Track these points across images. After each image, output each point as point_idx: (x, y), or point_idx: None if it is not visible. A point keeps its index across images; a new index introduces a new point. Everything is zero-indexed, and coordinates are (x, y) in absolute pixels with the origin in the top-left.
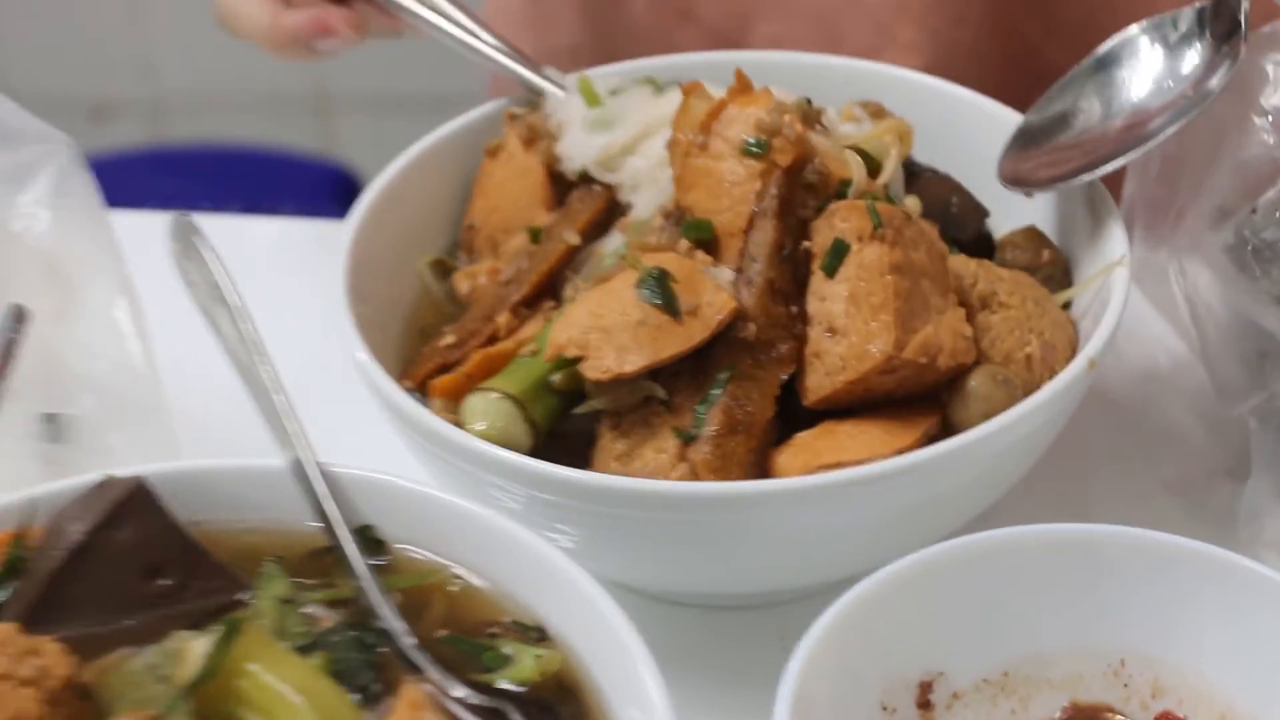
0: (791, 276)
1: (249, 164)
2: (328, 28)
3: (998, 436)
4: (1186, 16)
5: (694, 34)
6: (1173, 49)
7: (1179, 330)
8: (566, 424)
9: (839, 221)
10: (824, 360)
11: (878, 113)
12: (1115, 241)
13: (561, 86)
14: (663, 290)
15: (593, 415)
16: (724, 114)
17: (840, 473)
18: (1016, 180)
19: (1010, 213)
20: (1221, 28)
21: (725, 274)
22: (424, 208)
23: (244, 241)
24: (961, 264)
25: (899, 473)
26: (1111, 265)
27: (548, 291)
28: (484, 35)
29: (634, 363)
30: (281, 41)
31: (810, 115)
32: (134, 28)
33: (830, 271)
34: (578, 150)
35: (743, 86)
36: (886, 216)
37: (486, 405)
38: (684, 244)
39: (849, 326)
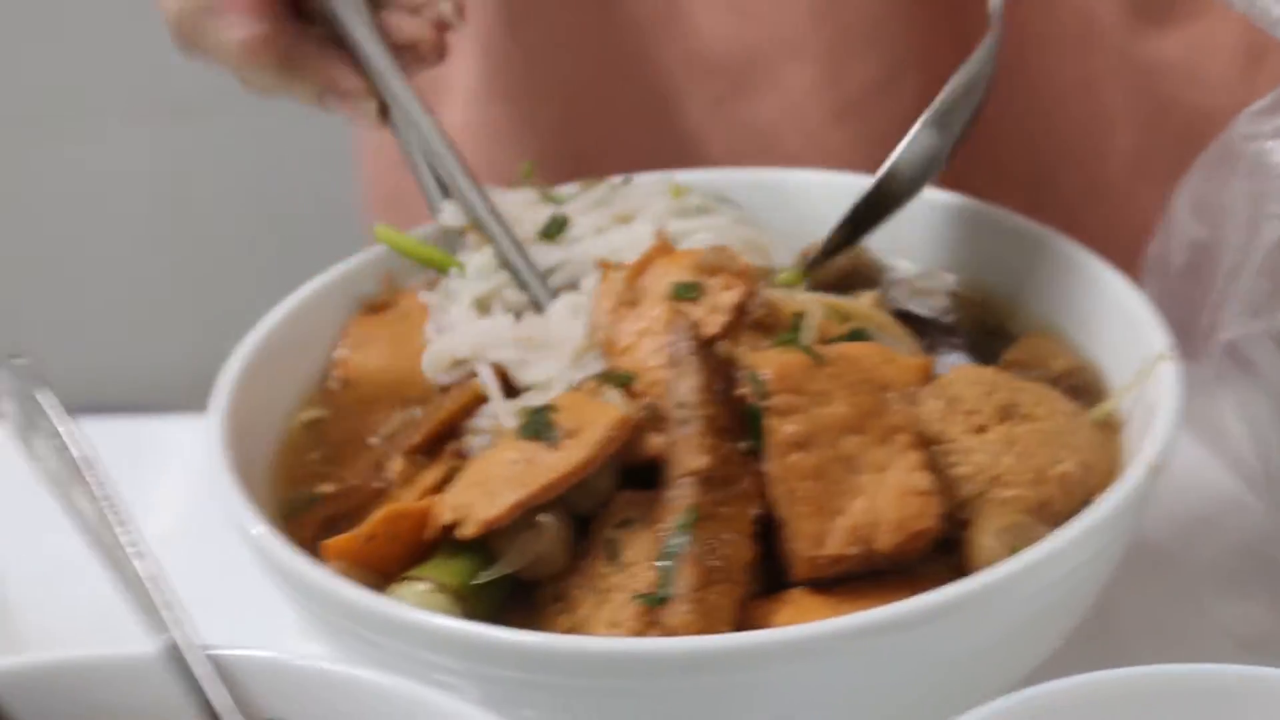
0: (733, 414)
1: None
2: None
3: (1048, 567)
4: None
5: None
6: None
7: (1220, 454)
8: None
9: (748, 381)
10: (783, 551)
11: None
12: (1152, 333)
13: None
14: (538, 424)
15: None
16: (652, 267)
17: (880, 611)
18: None
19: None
20: None
21: (616, 395)
22: (293, 369)
23: None
24: (973, 373)
25: (958, 606)
26: (1154, 361)
27: (448, 437)
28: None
29: (501, 505)
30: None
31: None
32: None
33: (759, 446)
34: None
35: (663, 247)
36: (779, 378)
37: (418, 600)
38: (590, 385)
39: (788, 515)
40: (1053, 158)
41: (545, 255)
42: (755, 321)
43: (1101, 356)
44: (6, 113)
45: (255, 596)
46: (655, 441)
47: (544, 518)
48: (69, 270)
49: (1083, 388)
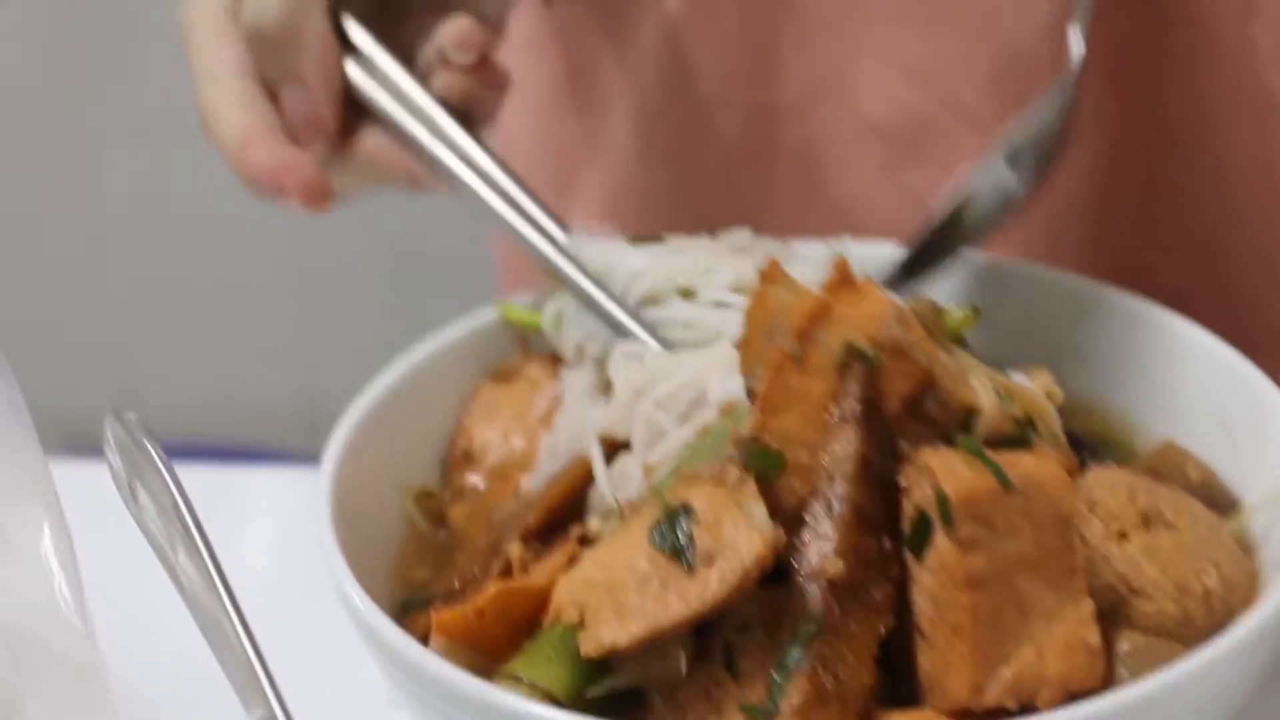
0: (882, 501)
1: None
2: (282, 186)
3: (1185, 689)
4: None
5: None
6: None
7: None
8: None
9: (926, 486)
10: (920, 664)
11: None
12: None
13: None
14: (675, 533)
15: None
16: (822, 320)
17: None
18: None
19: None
20: None
21: (760, 512)
22: (409, 434)
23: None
24: (1113, 476)
25: None
26: None
27: (571, 518)
28: (518, 195)
29: (630, 632)
30: (243, 175)
31: (935, 324)
32: None
33: (916, 552)
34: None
35: (843, 278)
36: (967, 504)
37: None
38: (734, 473)
39: (932, 635)
40: (1228, 236)
41: (677, 310)
42: (923, 417)
43: (1237, 466)
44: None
45: (343, 658)
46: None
47: (676, 650)
48: (181, 296)
49: (1218, 500)
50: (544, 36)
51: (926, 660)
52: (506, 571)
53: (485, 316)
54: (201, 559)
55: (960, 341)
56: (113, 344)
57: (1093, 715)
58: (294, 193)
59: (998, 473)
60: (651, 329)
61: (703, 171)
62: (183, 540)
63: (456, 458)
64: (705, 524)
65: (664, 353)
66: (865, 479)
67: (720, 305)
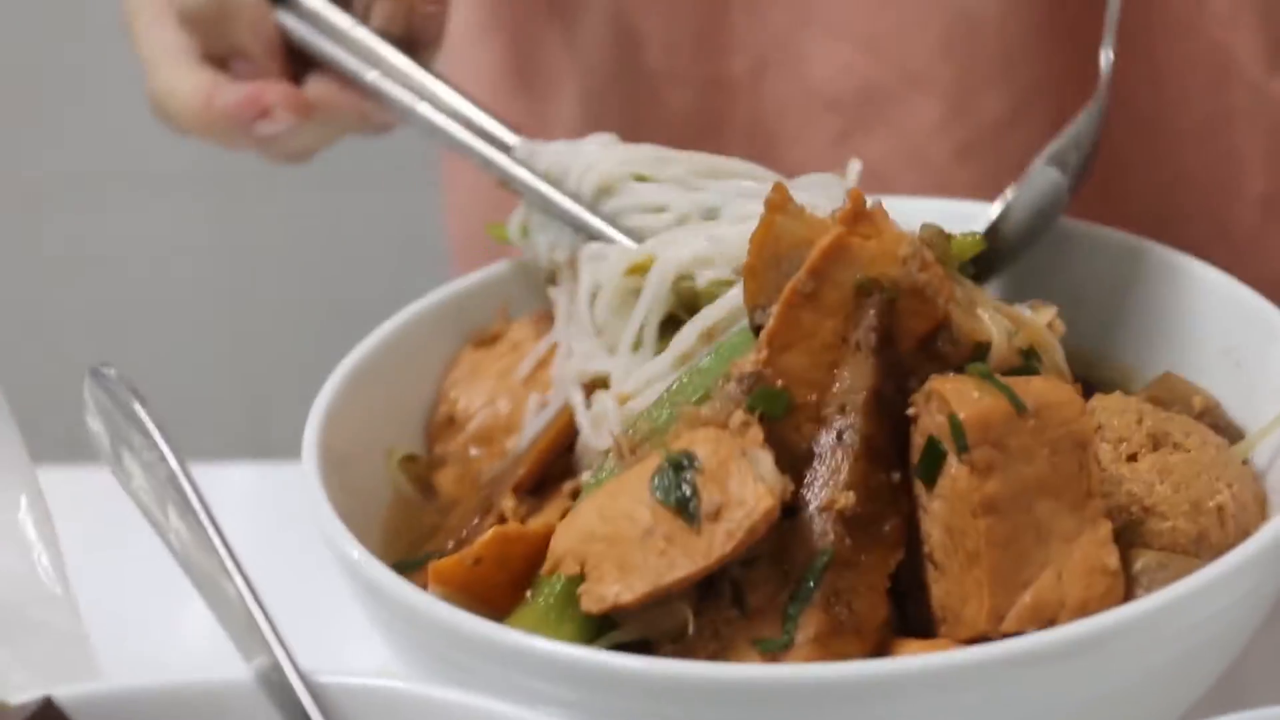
0: (891, 434)
1: None
2: (263, 107)
3: (1210, 595)
4: None
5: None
6: None
7: None
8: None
9: (936, 413)
10: (933, 594)
11: None
12: None
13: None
14: (679, 485)
15: None
16: (838, 255)
17: (1022, 642)
18: None
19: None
20: None
21: (767, 462)
22: (392, 401)
23: None
24: (1119, 402)
25: (1106, 638)
26: None
27: (563, 473)
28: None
29: (634, 589)
30: (217, 126)
31: (944, 252)
32: None
33: (927, 480)
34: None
35: (857, 210)
36: (981, 427)
37: None
38: (739, 417)
39: (946, 564)
40: (1180, 197)
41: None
42: (935, 354)
43: (1240, 393)
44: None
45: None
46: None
47: (680, 605)
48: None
49: (1223, 429)
50: (489, 21)
51: (940, 590)
52: (500, 526)
53: (465, 282)
54: (194, 515)
55: (963, 269)
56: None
57: (1110, 626)
58: (279, 106)
59: (1011, 396)
60: (612, 219)
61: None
62: (173, 499)
63: (439, 424)
64: (710, 474)
65: (629, 246)
66: (876, 411)
67: (684, 185)
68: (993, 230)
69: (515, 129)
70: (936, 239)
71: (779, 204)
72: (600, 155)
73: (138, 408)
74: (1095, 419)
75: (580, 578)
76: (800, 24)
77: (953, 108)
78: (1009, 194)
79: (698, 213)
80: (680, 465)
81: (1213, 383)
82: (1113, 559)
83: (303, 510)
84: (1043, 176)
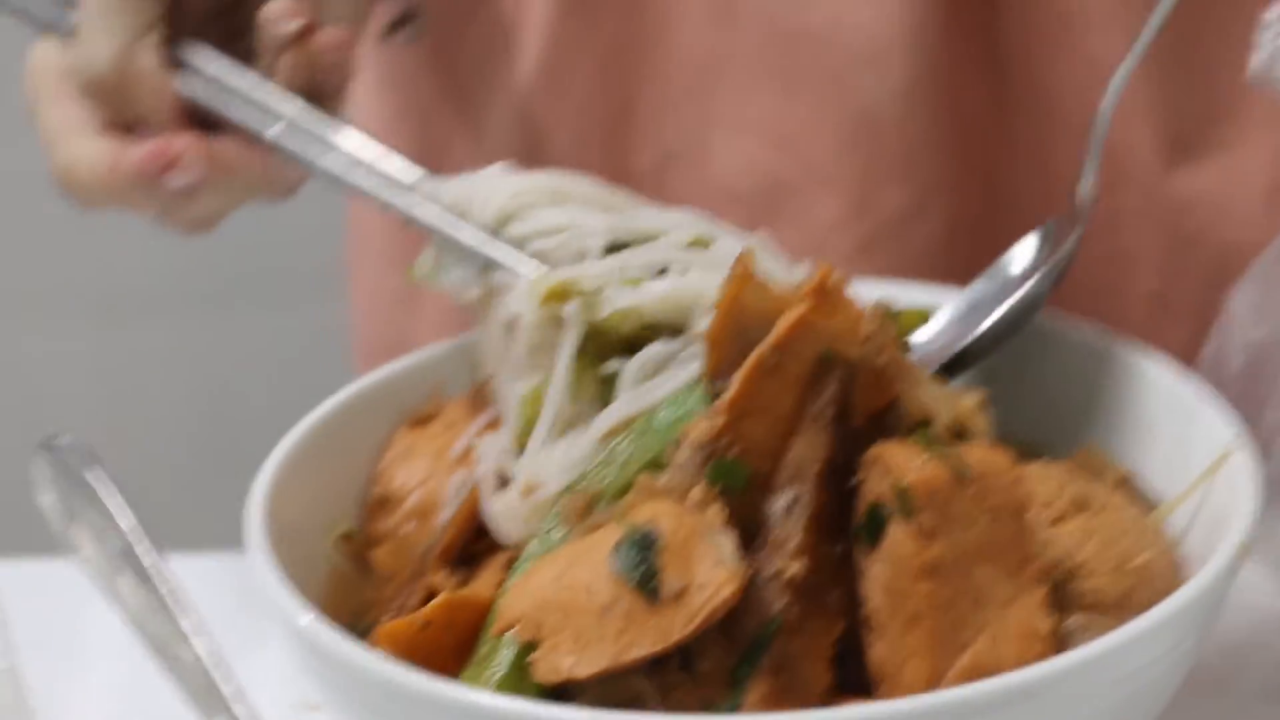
0: (838, 505)
1: None
2: (171, 158)
3: (1139, 647)
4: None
5: None
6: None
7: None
8: None
9: (880, 478)
10: (870, 656)
11: None
12: (1213, 425)
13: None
14: (640, 563)
15: None
16: (803, 331)
17: (959, 692)
18: None
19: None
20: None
21: (729, 545)
22: (328, 481)
23: None
24: (1043, 471)
25: (1038, 689)
26: (1223, 456)
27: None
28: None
29: (591, 665)
30: (124, 187)
31: (890, 328)
32: None
33: (870, 542)
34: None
35: (823, 286)
36: (927, 493)
37: None
38: (698, 492)
39: (885, 626)
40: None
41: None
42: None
43: (1154, 464)
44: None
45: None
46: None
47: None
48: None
49: (1138, 497)
50: (396, 112)
51: (877, 652)
52: (429, 599)
53: (400, 364)
54: (149, 582)
55: (905, 345)
56: None
57: (1044, 677)
58: (187, 154)
59: (956, 462)
60: (517, 245)
61: None
62: (130, 567)
63: (375, 502)
64: (672, 553)
65: (537, 272)
66: (824, 486)
67: (594, 206)
68: (982, 335)
69: (418, 166)
70: (884, 316)
71: (745, 276)
72: (500, 183)
73: (91, 475)
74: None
75: (532, 645)
76: (706, 122)
77: (855, 203)
78: (1007, 304)
79: (608, 236)
80: (641, 540)
81: (1128, 457)
82: (1045, 624)
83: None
84: (1037, 287)
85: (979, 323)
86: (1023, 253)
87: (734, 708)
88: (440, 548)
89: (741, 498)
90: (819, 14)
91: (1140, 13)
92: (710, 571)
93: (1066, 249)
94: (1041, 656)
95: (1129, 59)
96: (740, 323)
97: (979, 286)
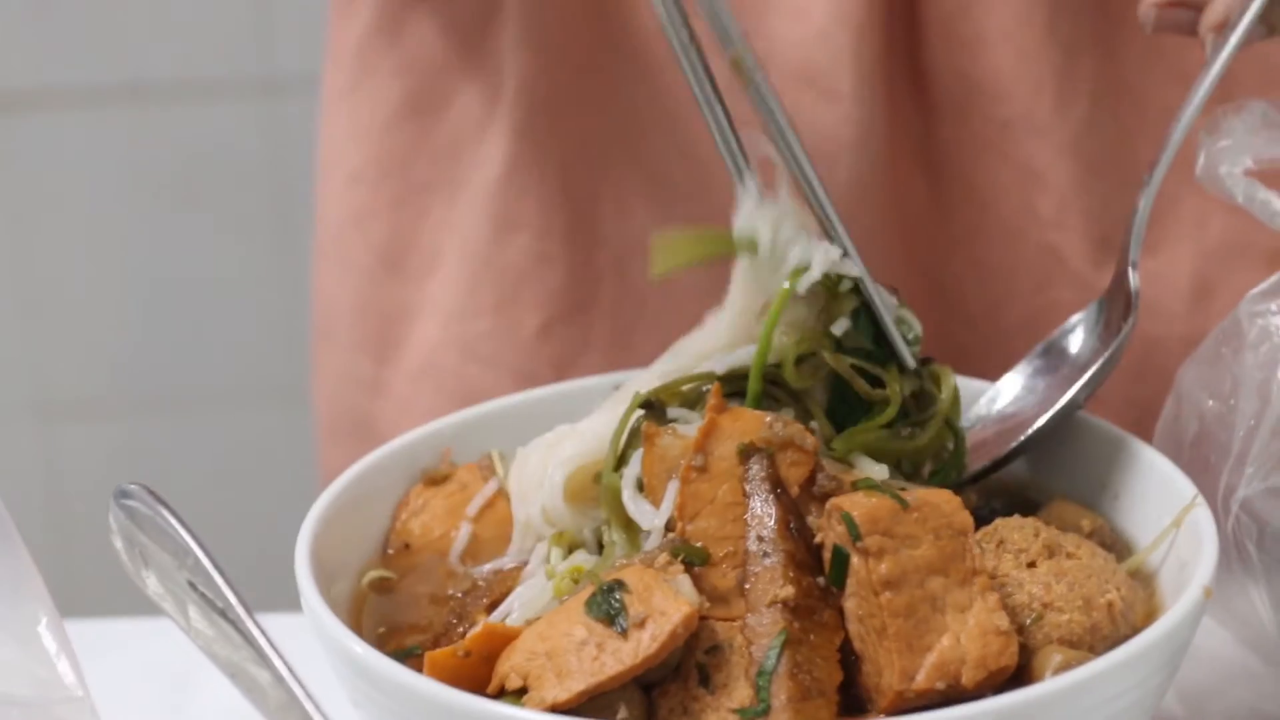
0: (807, 550)
1: None
2: None
3: (1119, 675)
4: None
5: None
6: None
7: (1241, 635)
8: None
9: (836, 524)
10: (860, 681)
11: None
12: (1174, 485)
13: None
14: (609, 604)
15: None
16: (713, 432)
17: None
18: None
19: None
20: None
21: (686, 583)
22: (360, 528)
23: None
24: (1017, 521)
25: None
26: (1186, 509)
27: None
28: None
29: (570, 689)
30: None
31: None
32: None
33: (838, 584)
34: None
35: (719, 400)
36: (870, 520)
37: None
38: (663, 558)
39: (864, 650)
40: None
41: None
42: (822, 492)
43: (1122, 519)
44: None
45: None
46: (730, 575)
47: (621, 706)
48: None
49: (1110, 545)
50: (366, 207)
51: (864, 674)
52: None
53: (414, 434)
54: (218, 612)
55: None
56: None
57: (1010, 706)
58: None
59: (894, 496)
60: None
61: (523, 324)
62: (193, 600)
63: (397, 548)
64: (636, 594)
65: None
66: (790, 538)
67: None
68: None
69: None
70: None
71: (655, 432)
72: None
73: (162, 515)
74: (998, 535)
75: (524, 690)
76: (666, 217)
77: None
78: (1060, 404)
79: None
80: (610, 588)
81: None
82: (1004, 621)
83: None
84: (1087, 387)
85: (1051, 402)
86: (1076, 334)
87: (764, 710)
88: (489, 602)
89: (714, 575)
90: None
91: (1075, 125)
92: (669, 602)
93: (1123, 335)
94: (1004, 650)
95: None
96: (666, 469)
97: (1036, 363)
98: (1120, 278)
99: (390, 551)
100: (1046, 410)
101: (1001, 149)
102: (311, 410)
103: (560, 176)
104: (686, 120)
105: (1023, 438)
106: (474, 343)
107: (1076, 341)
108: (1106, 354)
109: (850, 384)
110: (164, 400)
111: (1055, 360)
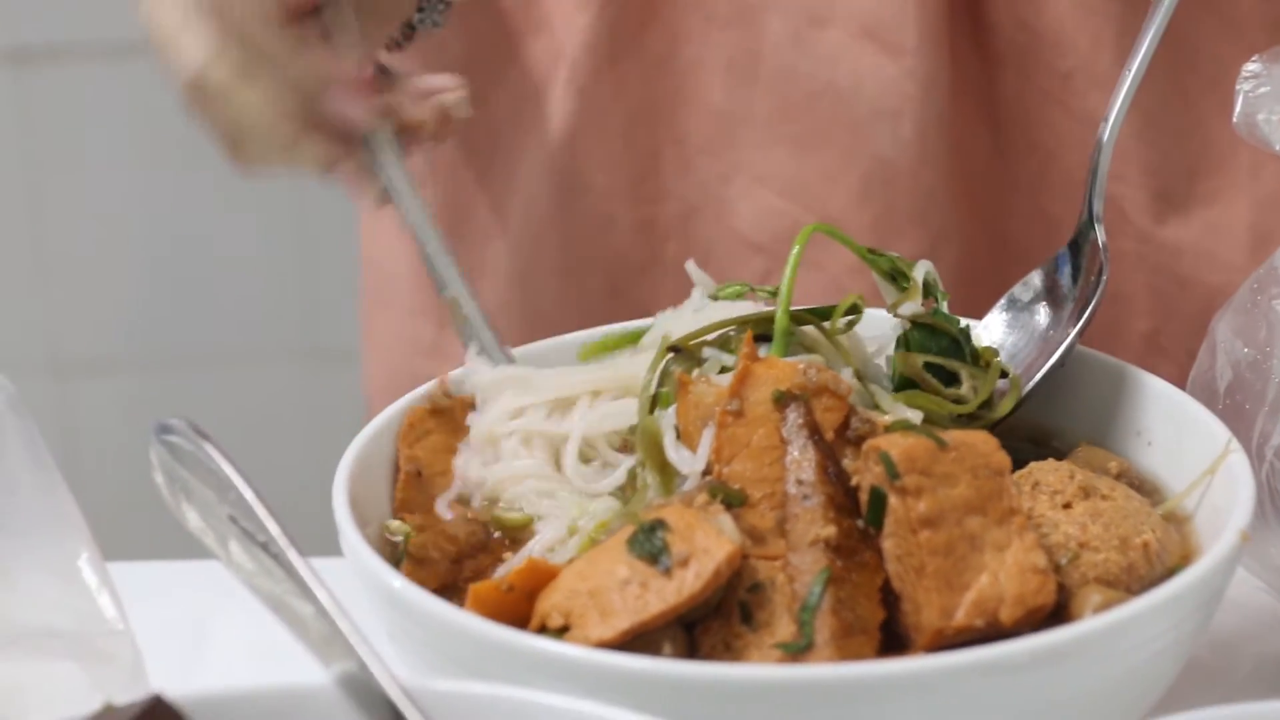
0: (845, 493)
1: None
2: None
3: (1153, 618)
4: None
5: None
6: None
7: (1273, 583)
8: None
9: (874, 465)
10: (900, 620)
11: None
12: (1209, 431)
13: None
14: (651, 542)
15: None
16: (748, 378)
17: (983, 651)
18: None
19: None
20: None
21: (728, 522)
22: (382, 474)
23: None
24: (1051, 464)
25: (1064, 649)
26: (1222, 455)
27: None
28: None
29: (615, 628)
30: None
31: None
32: None
33: (875, 524)
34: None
35: (752, 349)
36: (908, 459)
37: None
38: (701, 498)
39: (903, 589)
40: None
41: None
42: (857, 436)
43: (1155, 465)
44: None
45: None
46: (768, 516)
47: (665, 644)
48: None
49: (1137, 488)
50: (421, 171)
51: (903, 613)
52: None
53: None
54: (258, 546)
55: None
56: None
57: (1050, 645)
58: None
59: (932, 435)
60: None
61: (589, 283)
62: (234, 534)
63: (405, 481)
64: (678, 532)
65: None
66: (829, 481)
67: None
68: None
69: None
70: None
71: (688, 380)
72: None
73: (204, 450)
74: (1033, 477)
75: (565, 629)
76: (728, 174)
77: (871, 249)
78: (1046, 366)
79: None
80: (652, 528)
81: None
82: (1041, 559)
83: None
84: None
85: (1047, 354)
86: (1048, 283)
87: (807, 645)
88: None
89: (753, 515)
90: (843, 73)
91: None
92: (712, 539)
93: (1095, 301)
94: (1042, 587)
95: (1121, 94)
96: (700, 415)
97: (1014, 316)
98: (1084, 228)
99: (404, 477)
100: (1048, 355)
101: (1064, 101)
102: (328, 367)
103: (622, 135)
104: (744, 72)
105: (1030, 384)
106: (538, 305)
107: (1043, 292)
108: (1095, 298)
109: (921, 384)
110: (179, 358)
111: (1025, 313)
